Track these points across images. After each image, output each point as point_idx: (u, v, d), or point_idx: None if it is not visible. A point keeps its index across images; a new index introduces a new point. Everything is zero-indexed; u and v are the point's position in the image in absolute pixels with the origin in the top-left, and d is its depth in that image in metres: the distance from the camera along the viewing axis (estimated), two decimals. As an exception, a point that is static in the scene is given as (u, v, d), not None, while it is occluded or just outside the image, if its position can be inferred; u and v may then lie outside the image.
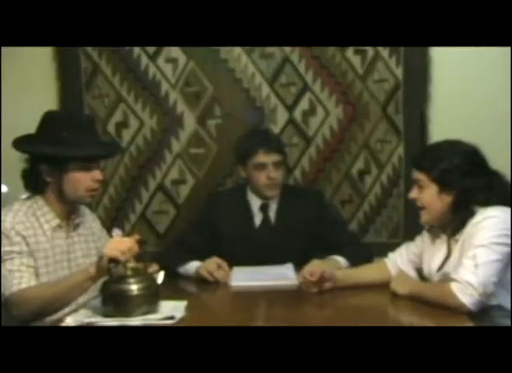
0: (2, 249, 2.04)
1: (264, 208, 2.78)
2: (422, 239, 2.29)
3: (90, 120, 2.37)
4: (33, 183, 2.17)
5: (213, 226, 2.76)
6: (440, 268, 2.13)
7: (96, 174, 2.17)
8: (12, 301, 2.00)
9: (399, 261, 2.32)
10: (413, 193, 2.14)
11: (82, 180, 2.14)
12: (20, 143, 2.17)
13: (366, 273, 2.34)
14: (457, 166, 2.05)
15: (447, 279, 2.00)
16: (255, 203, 2.78)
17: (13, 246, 2.05)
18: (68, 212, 2.22)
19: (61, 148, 2.10)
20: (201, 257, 2.50)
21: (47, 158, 2.11)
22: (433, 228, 2.21)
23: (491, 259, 1.93)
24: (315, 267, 2.24)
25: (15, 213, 2.12)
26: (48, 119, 2.18)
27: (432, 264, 2.17)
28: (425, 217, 2.15)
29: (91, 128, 2.24)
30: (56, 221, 2.17)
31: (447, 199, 2.07)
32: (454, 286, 1.92)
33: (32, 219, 2.13)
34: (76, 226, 2.26)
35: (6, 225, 2.07)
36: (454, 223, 2.10)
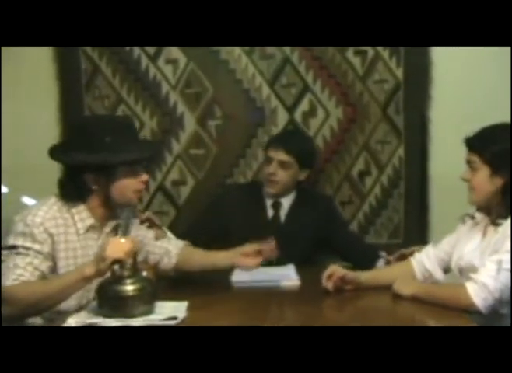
0: (23, 243, 1.99)
1: (275, 206, 2.82)
2: (457, 233, 2.22)
3: (129, 121, 2.31)
4: (76, 192, 2.10)
5: (223, 216, 2.78)
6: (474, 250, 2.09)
7: (143, 176, 2.12)
8: (3, 297, 1.94)
9: (426, 261, 2.26)
10: (465, 174, 2.08)
11: (130, 184, 2.09)
12: (59, 153, 2.12)
13: (391, 274, 2.27)
14: (509, 150, 1.99)
15: (467, 273, 1.98)
16: (268, 199, 2.82)
17: (34, 244, 2.00)
18: (107, 217, 2.17)
19: (107, 155, 2.03)
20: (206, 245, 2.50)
21: (93, 166, 2.05)
22: (475, 213, 2.15)
23: None
24: (336, 269, 2.21)
25: (49, 207, 2.07)
26: (84, 125, 2.13)
27: (465, 248, 2.11)
28: (473, 198, 2.08)
29: (131, 130, 2.18)
30: (91, 221, 2.11)
31: (499, 182, 2.01)
32: (469, 286, 1.90)
33: (66, 215, 2.08)
34: (112, 230, 2.19)
35: (36, 219, 2.02)
36: (499, 208, 2.04)
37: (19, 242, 2.00)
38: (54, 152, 2.14)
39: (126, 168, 2.08)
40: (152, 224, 1.98)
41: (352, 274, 2.21)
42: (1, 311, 1.93)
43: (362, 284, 2.22)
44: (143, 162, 2.16)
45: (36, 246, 2.00)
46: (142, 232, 2.33)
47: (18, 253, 1.99)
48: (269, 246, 2.24)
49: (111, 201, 2.12)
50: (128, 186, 2.10)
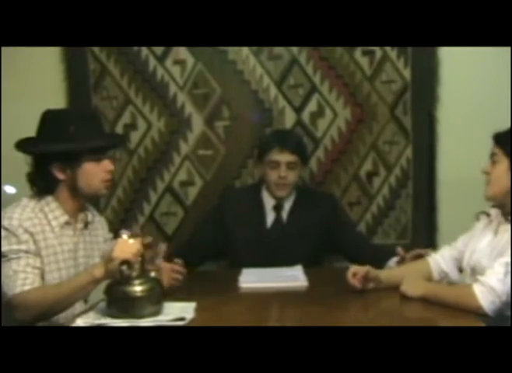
0: (9, 248, 2.01)
1: (277, 208, 2.80)
2: (472, 231, 2.24)
3: (93, 112, 2.35)
4: (44, 184, 2.14)
5: (225, 222, 2.79)
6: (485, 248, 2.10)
7: (108, 164, 2.16)
8: (14, 303, 1.97)
9: (441, 262, 2.28)
10: (486, 167, 2.11)
11: (95, 172, 2.13)
12: (26, 145, 2.15)
13: (409, 273, 2.27)
14: None
15: (476, 273, 1.99)
16: (268, 202, 2.80)
17: (21, 245, 2.02)
18: (78, 210, 2.20)
19: (72, 144, 2.08)
20: (213, 253, 2.49)
21: (59, 155, 2.09)
22: (490, 211, 2.17)
23: None
24: (358, 268, 2.22)
25: (22, 209, 2.09)
26: (49, 117, 2.15)
27: (477, 247, 2.13)
28: (489, 191, 2.10)
29: (95, 121, 2.24)
30: (64, 218, 2.15)
31: None
32: (476, 288, 1.91)
33: (40, 215, 2.11)
34: (85, 226, 2.24)
35: (13, 222, 2.04)
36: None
37: (6, 247, 2.02)
38: (21, 144, 2.17)
39: (90, 156, 2.12)
40: None
41: (374, 271, 2.22)
42: (13, 317, 1.97)
43: (382, 283, 2.23)
44: (108, 152, 2.19)
45: (23, 247, 2.03)
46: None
47: (10, 259, 2.01)
48: (175, 267, 2.30)
49: (79, 192, 2.16)
50: (93, 175, 2.14)
